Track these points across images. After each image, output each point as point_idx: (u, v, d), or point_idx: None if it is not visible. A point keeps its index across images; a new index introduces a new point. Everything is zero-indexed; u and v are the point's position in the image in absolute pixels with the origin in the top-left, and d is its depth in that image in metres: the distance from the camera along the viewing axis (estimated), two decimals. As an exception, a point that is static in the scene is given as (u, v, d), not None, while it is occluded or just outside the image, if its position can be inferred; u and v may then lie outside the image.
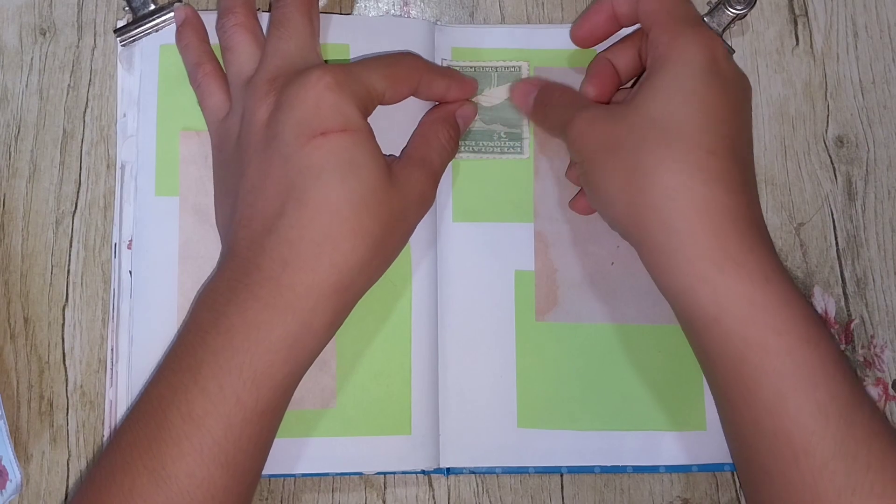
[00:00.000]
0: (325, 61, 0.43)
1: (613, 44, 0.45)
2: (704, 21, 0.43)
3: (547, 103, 0.43)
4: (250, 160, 0.39)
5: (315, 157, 0.37)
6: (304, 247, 0.37)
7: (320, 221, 0.37)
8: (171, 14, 0.45)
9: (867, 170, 0.47)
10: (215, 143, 0.43)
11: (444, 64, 0.46)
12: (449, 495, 0.44)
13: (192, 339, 0.37)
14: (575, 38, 0.45)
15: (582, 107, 0.41)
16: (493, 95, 0.46)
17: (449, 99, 0.44)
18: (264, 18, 0.45)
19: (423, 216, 0.42)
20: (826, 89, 0.47)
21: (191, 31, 0.44)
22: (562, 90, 0.44)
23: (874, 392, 0.45)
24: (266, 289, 0.36)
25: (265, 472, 0.42)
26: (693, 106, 0.37)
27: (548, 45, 0.46)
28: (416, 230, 0.43)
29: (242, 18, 0.42)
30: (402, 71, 0.41)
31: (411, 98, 0.43)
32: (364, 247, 0.37)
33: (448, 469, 0.44)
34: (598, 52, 0.46)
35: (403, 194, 0.39)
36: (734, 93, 0.38)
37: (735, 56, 0.46)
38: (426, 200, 0.41)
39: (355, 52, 0.45)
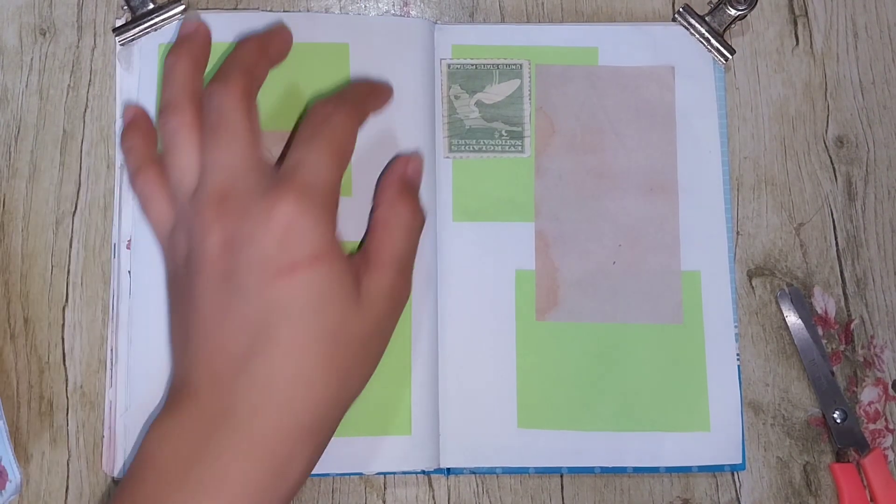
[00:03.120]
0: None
1: None
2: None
3: None
4: (203, 294, 0.36)
5: (282, 296, 0.35)
6: (277, 390, 0.35)
7: (292, 362, 0.35)
8: (171, 13, 0.45)
9: (867, 170, 0.47)
10: (165, 255, 0.41)
11: (445, 63, 0.46)
12: (449, 495, 0.44)
13: (152, 487, 0.34)
14: None
15: None
16: (495, 93, 0.46)
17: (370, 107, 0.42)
18: (258, 17, 0.45)
19: (398, 317, 0.40)
20: (826, 89, 0.47)
21: (135, 132, 0.42)
22: None
23: (874, 392, 0.45)
24: (238, 438, 0.34)
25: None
26: None
27: (548, 43, 0.46)
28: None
29: (188, 118, 0.39)
30: (339, 132, 0.39)
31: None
32: (337, 382, 0.36)
33: (448, 469, 0.44)
34: (598, 48, 0.46)
35: (373, 312, 0.38)
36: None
37: (735, 56, 0.47)
38: (398, 301, 0.39)
39: (355, 52, 0.45)
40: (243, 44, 0.41)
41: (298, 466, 0.36)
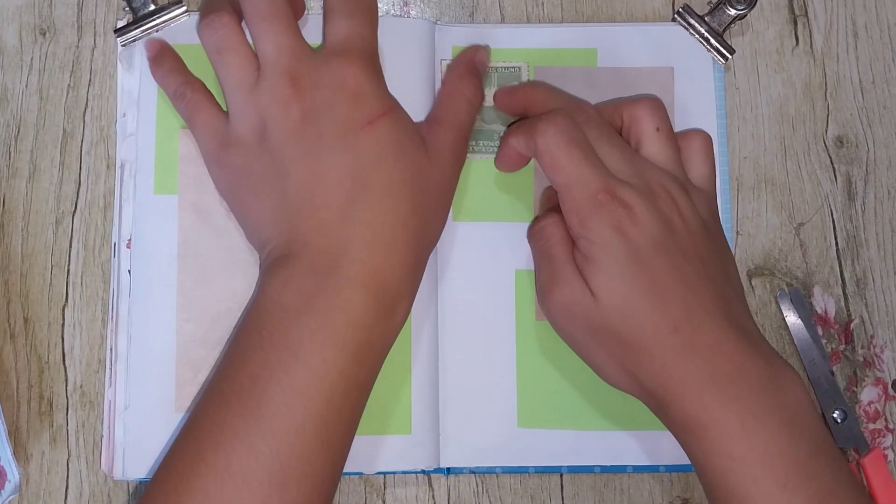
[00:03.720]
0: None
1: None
2: (595, 152, 0.40)
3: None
4: (295, 158, 0.39)
5: (367, 145, 0.39)
6: (381, 229, 0.38)
7: (389, 204, 0.39)
8: (173, 14, 0.45)
9: (867, 170, 0.47)
10: (217, 157, 0.42)
11: (444, 64, 0.46)
12: (449, 495, 0.44)
13: (279, 320, 0.37)
14: (500, 169, 0.45)
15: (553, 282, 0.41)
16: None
17: None
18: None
19: (459, 175, 0.43)
20: (826, 89, 0.47)
21: (169, 56, 0.44)
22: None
23: (874, 392, 0.45)
24: (355, 270, 0.38)
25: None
26: (640, 287, 0.38)
27: (548, 45, 0.46)
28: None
29: (231, 20, 0.42)
30: (372, 6, 0.43)
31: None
32: (423, 224, 0.40)
33: (448, 469, 0.44)
34: (597, 49, 0.46)
35: (440, 162, 0.41)
36: (666, 249, 0.39)
37: (735, 56, 0.47)
38: (460, 159, 0.43)
39: (355, 52, 0.45)
40: None
41: (405, 300, 0.40)
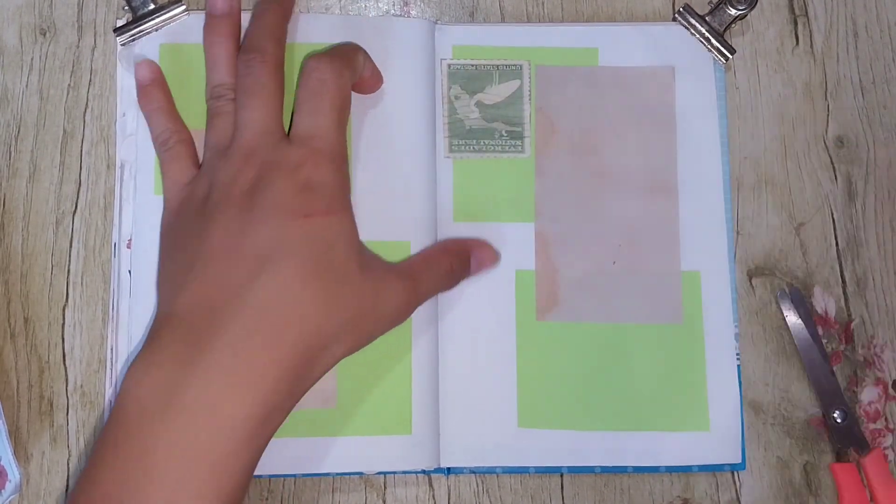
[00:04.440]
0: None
1: None
2: None
3: None
4: (218, 223, 0.37)
5: (293, 235, 0.37)
6: (273, 316, 0.35)
7: (291, 292, 0.36)
8: (172, 14, 0.45)
9: (867, 170, 0.47)
10: (172, 207, 0.42)
11: (445, 63, 0.46)
12: (449, 495, 0.44)
13: (135, 423, 0.33)
14: None
15: None
16: (495, 93, 0.46)
17: (366, 79, 0.43)
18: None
19: (389, 328, 0.40)
20: (826, 89, 0.47)
21: (159, 90, 0.44)
22: None
23: (874, 392, 0.45)
24: (228, 362, 0.34)
25: (265, 472, 0.42)
26: None
27: (549, 44, 0.46)
28: (416, 230, 0.44)
29: (232, 91, 0.42)
30: (337, 96, 0.40)
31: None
32: (330, 324, 0.37)
33: (448, 469, 0.44)
34: (598, 49, 0.46)
35: (377, 295, 0.39)
36: None
37: (735, 56, 0.47)
38: (399, 315, 0.40)
39: (355, 52, 0.45)
40: (268, 9, 0.43)
41: (286, 400, 0.36)
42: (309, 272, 0.36)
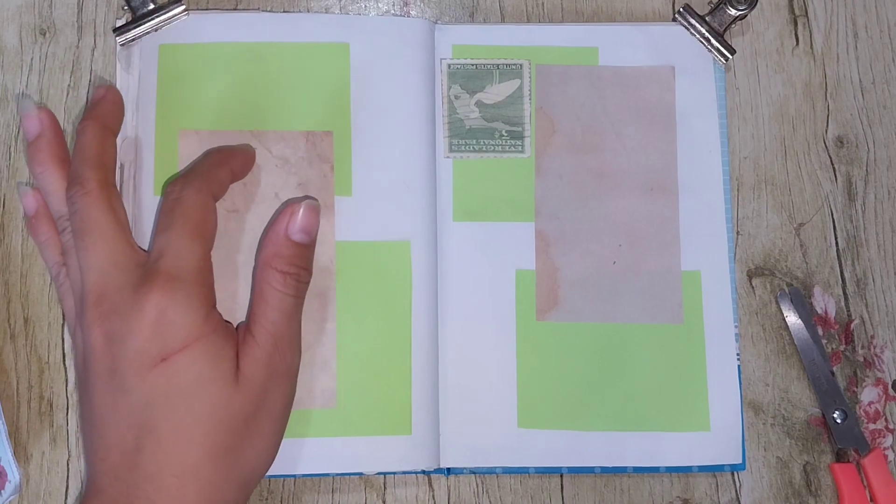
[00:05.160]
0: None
1: None
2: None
3: None
4: (94, 391, 0.37)
5: (157, 386, 0.36)
6: (167, 481, 0.36)
7: (177, 452, 0.36)
8: (172, 14, 0.45)
9: (867, 170, 0.47)
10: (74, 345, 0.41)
11: (445, 63, 0.46)
12: (449, 495, 0.44)
13: None
14: None
15: None
16: (495, 93, 0.46)
17: (237, 174, 0.42)
18: (258, 17, 0.45)
19: (291, 385, 0.40)
20: (826, 89, 0.47)
21: (42, 224, 0.42)
22: None
23: (874, 392, 0.45)
24: None
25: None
26: None
27: (548, 43, 0.46)
28: (416, 230, 0.44)
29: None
30: (191, 212, 0.39)
31: None
32: (225, 466, 0.37)
33: (448, 469, 0.44)
34: (599, 48, 0.46)
35: (254, 387, 0.38)
36: None
37: (735, 56, 0.47)
38: (283, 373, 0.39)
39: (355, 52, 0.45)
40: (85, 128, 0.41)
41: None
42: (184, 422, 0.36)
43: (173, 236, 0.38)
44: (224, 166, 0.41)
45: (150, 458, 0.36)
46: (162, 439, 0.36)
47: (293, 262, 0.40)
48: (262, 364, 0.38)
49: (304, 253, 0.40)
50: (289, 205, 0.41)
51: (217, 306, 0.40)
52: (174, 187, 0.39)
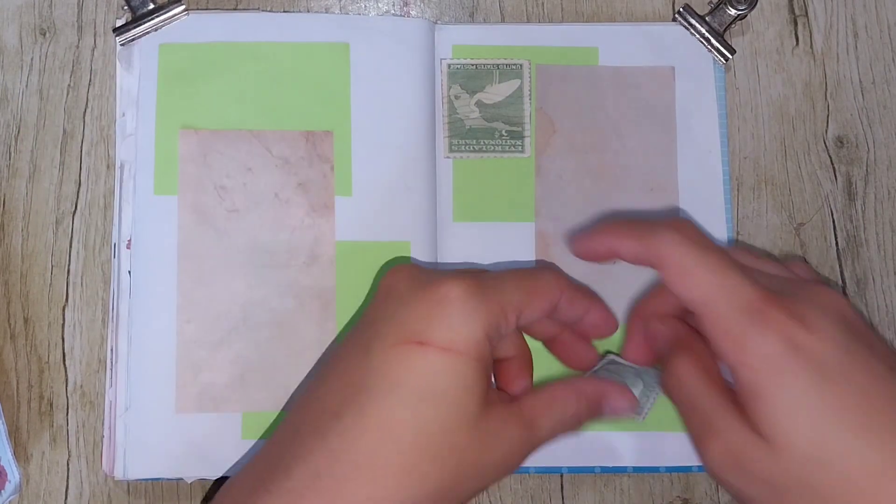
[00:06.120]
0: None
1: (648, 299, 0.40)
2: (742, 265, 0.34)
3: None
4: (337, 352, 0.35)
5: (397, 366, 0.32)
6: (344, 465, 0.31)
7: (372, 442, 0.31)
8: (172, 13, 0.45)
9: (867, 170, 0.47)
10: None
11: (445, 63, 0.46)
12: (449, 495, 0.44)
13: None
14: (576, 253, 0.39)
15: (717, 431, 0.33)
16: (495, 93, 0.46)
17: (586, 324, 0.38)
18: (258, 17, 0.45)
19: (500, 480, 0.35)
20: (826, 89, 0.47)
21: None
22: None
23: (874, 392, 0.45)
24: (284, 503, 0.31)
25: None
26: (837, 418, 0.29)
27: (548, 43, 0.46)
28: (416, 230, 0.44)
29: None
30: (542, 284, 0.36)
31: None
32: (413, 492, 0.31)
33: (448, 469, 0.44)
34: (598, 48, 0.46)
35: (486, 447, 0.33)
36: (856, 356, 0.30)
37: (735, 56, 0.47)
38: (510, 466, 0.34)
39: (355, 52, 0.45)
40: None
41: None
42: (402, 420, 0.32)
43: (501, 277, 0.35)
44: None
45: (342, 430, 0.32)
46: (365, 419, 0.32)
47: (588, 417, 0.37)
48: (510, 439, 0.34)
49: (591, 420, 0.38)
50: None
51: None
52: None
